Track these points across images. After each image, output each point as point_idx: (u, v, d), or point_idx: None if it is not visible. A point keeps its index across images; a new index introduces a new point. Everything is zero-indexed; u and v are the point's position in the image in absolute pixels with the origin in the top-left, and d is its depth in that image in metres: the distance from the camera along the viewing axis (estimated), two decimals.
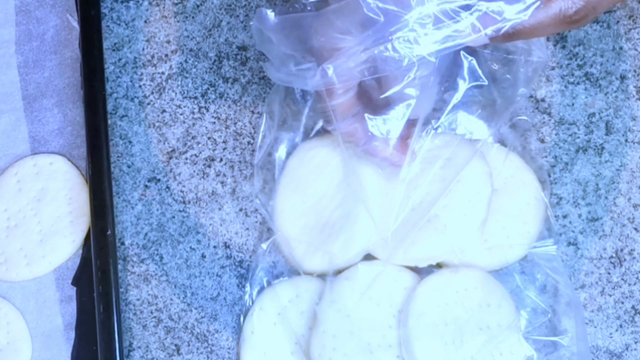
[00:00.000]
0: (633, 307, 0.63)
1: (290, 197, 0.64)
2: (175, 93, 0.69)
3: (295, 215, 0.64)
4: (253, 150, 0.67)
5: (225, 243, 0.65)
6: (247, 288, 0.64)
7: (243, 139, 0.67)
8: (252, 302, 0.63)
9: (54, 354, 0.63)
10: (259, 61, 0.69)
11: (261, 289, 0.64)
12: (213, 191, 0.67)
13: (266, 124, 0.66)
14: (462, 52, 0.61)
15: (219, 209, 0.66)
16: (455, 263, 0.63)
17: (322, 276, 0.63)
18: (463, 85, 0.63)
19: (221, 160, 0.67)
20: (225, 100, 0.68)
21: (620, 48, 0.67)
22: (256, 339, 0.62)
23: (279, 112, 0.66)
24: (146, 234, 0.66)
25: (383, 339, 0.60)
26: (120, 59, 0.70)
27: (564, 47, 0.68)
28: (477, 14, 0.53)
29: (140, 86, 0.69)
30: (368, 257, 0.63)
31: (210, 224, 0.66)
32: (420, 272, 0.63)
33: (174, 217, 0.66)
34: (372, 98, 0.60)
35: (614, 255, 0.64)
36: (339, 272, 0.63)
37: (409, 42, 0.54)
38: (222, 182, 0.67)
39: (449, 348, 0.59)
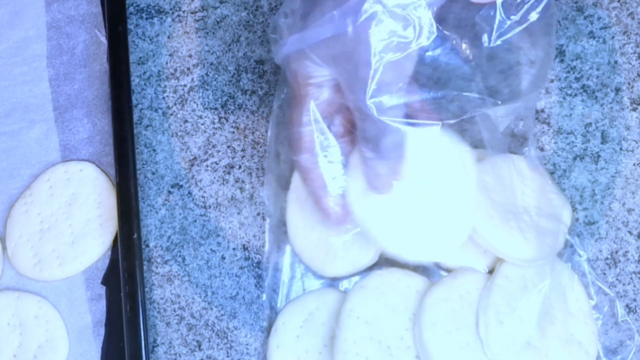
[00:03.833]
0: (627, 305, 0.63)
1: (299, 211, 0.64)
2: (197, 104, 0.69)
3: (307, 228, 0.63)
4: None
5: (244, 245, 0.66)
6: (265, 295, 0.64)
7: (260, 147, 0.68)
8: (274, 310, 0.64)
9: (85, 349, 0.64)
10: (275, 74, 0.69)
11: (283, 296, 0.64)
12: (232, 196, 0.67)
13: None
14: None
15: (238, 213, 0.66)
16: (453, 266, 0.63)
17: (335, 280, 0.64)
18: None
19: (240, 167, 0.67)
20: (244, 111, 0.69)
21: (615, 62, 0.67)
22: (282, 352, 0.61)
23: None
24: (169, 236, 0.66)
25: (401, 341, 0.60)
26: (145, 72, 0.70)
27: (562, 61, 0.68)
28: None
29: (163, 98, 0.70)
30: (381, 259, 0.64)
31: (230, 228, 0.66)
32: (430, 275, 0.63)
33: (195, 221, 0.66)
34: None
35: (609, 256, 0.64)
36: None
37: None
38: (240, 188, 0.67)
39: (466, 350, 0.59)
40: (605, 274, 0.63)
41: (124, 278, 0.62)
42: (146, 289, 0.64)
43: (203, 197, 0.67)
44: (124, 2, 0.69)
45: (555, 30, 0.67)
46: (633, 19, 0.68)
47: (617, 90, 0.67)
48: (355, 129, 0.57)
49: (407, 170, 0.57)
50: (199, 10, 0.71)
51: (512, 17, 0.58)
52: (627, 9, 0.69)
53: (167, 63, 0.70)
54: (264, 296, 0.64)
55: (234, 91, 0.69)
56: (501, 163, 0.63)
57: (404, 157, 0.56)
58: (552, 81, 0.67)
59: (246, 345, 0.63)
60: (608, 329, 0.62)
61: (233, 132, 0.68)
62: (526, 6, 0.58)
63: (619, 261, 0.64)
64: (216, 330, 0.64)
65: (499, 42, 0.59)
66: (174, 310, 0.64)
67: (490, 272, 0.62)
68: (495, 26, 0.58)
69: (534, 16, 0.58)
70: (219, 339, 0.64)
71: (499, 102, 0.60)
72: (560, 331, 0.60)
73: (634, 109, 0.67)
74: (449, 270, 0.63)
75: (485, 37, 0.59)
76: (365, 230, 0.57)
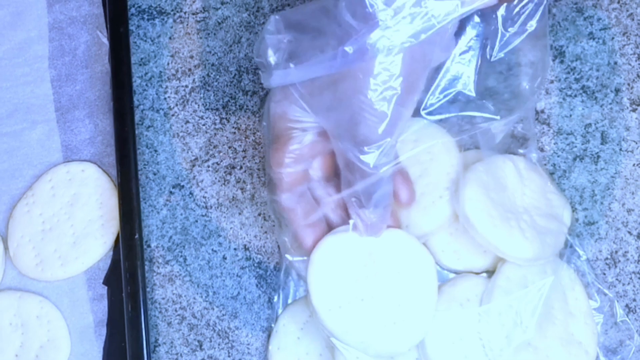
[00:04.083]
0: (627, 305, 0.63)
1: None
2: (198, 105, 0.69)
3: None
4: None
5: (245, 245, 0.66)
6: (276, 299, 0.64)
7: (261, 148, 0.68)
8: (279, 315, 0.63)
9: (86, 349, 0.64)
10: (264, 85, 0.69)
11: (286, 302, 0.64)
12: (233, 197, 0.67)
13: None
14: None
15: (239, 213, 0.66)
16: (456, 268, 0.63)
17: None
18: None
19: (241, 167, 0.67)
20: (245, 111, 0.69)
21: (615, 63, 0.67)
22: (282, 354, 0.61)
23: None
24: (171, 237, 0.66)
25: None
26: (146, 73, 0.70)
27: (562, 62, 0.68)
28: None
29: (165, 98, 0.70)
30: None
31: (231, 228, 0.66)
32: None
33: (196, 221, 0.66)
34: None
35: (609, 257, 0.64)
36: None
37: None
38: (241, 189, 0.67)
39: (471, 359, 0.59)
40: (605, 274, 0.63)
41: (125, 278, 0.62)
42: (147, 289, 0.64)
43: (204, 197, 0.67)
44: (125, 3, 0.69)
45: (549, 32, 0.67)
46: (633, 20, 0.68)
47: (617, 91, 0.67)
48: (335, 175, 0.57)
49: (371, 270, 0.57)
50: (200, 11, 0.71)
51: (509, 30, 0.59)
52: (627, 10, 0.69)
53: (168, 64, 0.70)
54: (276, 298, 0.64)
55: (235, 92, 0.69)
56: (501, 163, 0.63)
57: (392, 204, 0.57)
58: (552, 82, 0.67)
59: (247, 345, 0.63)
60: (608, 329, 0.62)
61: (234, 133, 0.68)
62: (523, 16, 0.58)
63: (619, 261, 0.64)
64: (217, 330, 0.64)
65: (501, 54, 0.59)
66: (176, 310, 0.64)
67: (489, 273, 0.62)
68: (498, 40, 0.59)
69: (532, 25, 0.58)
70: (220, 338, 0.64)
71: (498, 117, 0.61)
72: (561, 331, 0.60)
73: (634, 110, 0.67)
74: (453, 271, 0.63)
75: (487, 51, 0.59)
76: (323, 324, 0.57)
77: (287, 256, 0.60)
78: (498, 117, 0.60)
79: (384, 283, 0.57)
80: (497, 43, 0.60)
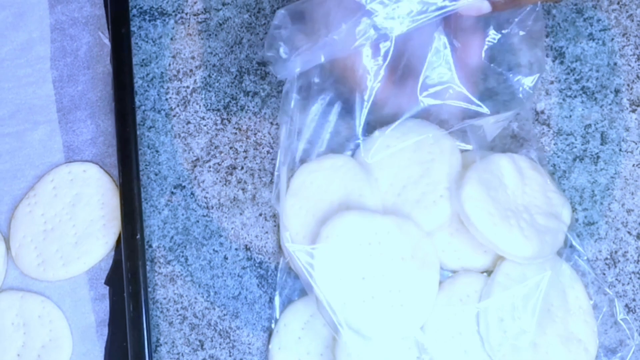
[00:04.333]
0: (626, 305, 0.63)
1: (295, 217, 0.63)
2: (200, 106, 0.69)
3: (301, 234, 0.62)
4: (272, 159, 0.67)
5: (246, 246, 0.66)
6: (277, 299, 0.64)
7: (262, 148, 0.68)
8: (279, 315, 0.63)
9: (88, 349, 0.64)
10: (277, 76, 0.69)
11: (287, 302, 0.64)
12: (234, 197, 0.67)
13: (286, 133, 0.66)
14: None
15: (240, 213, 0.66)
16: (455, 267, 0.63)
17: None
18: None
19: (242, 168, 0.68)
20: (246, 112, 0.69)
21: (615, 64, 0.68)
22: (283, 354, 0.61)
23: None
24: (172, 237, 0.66)
25: (403, 342, 0.59)
26: (148, 74, 0.70)
27: (562, 62, 0.68)
28: None
29: (166, 99, 0.70)
30: None
31: (232, 228, 0.66)
32: None
33: (198, 221, 0.66)
34: None
35: (608, 257, 0.64)
36: None
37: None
38: (243, 189, 0.67)
39: (470, 355, 0.59)
40: (604, 274, 0.63)
41: (127, 278, 0.62)
42: (149, 289, 0.64)
43: (205, 197, 0.67)
44: (127, 4, 0.69)
45: (550, 33, 0.67)
46: (632, 21, 0.68)
47: (617, 91, 0.67)
48: None
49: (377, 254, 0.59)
50: (202, 12, 0.71)
51: (503, 31, 0.59)
52: (627, 11, 0.69)
53: (169, 65, 0.70)
54: (277, 298, 0.64)
55: (236, 93, 0.69)
56: (501, 161, 0.63)
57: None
58: (552, 83, 0.67)
59: (248, 345, 0.63)
60: (607, 329, 0.62)
61: (235, 134, 0.68)
62: (517, 19, 0.58)
63: (619, 261, 0.64)
64: (219, 330, 0.64)
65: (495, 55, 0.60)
66: (177, 310, 0.64)
67: (490, 272, 0.62)
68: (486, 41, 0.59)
69: (523, 30, 0.59)
70: (222, 338, 0.64)
71: (488, 112, 0.61)
72: (560, 329, 0.60)
73: (633, 111, 0.67)
74: (453, 271, 0.63)
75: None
76: (327, 302, 0.58)
77: (287, 245, 0.60)
78: (488, 111, 0.61)
79: (386, 265, 0.58)
80: (487, 46, 0.60)
